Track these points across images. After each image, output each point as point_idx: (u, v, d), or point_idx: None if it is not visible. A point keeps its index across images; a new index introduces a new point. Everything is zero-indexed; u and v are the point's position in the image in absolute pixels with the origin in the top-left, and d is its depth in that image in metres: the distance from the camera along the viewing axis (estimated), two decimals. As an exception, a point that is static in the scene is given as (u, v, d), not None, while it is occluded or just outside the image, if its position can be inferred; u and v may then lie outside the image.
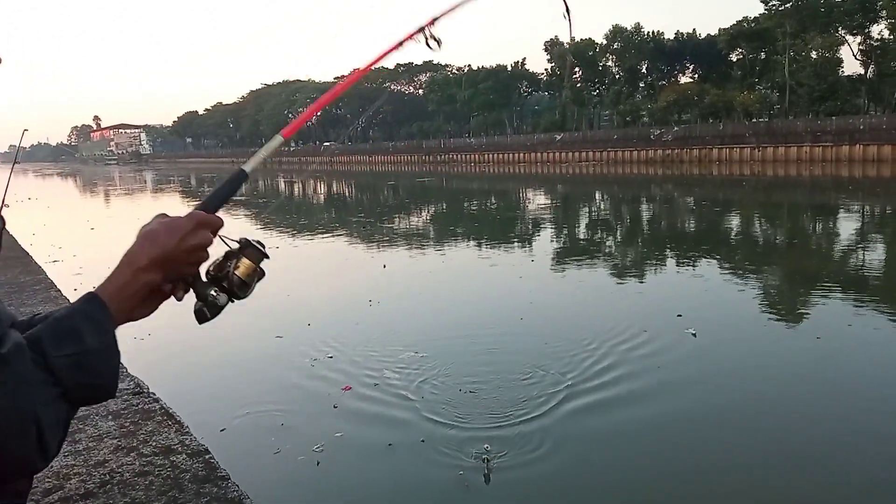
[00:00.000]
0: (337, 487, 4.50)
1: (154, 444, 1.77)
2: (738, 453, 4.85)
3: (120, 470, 1.62)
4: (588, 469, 4.62)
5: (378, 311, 9.29)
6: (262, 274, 1.18)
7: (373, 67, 1.51)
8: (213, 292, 1.13)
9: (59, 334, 0.92)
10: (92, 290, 1.00)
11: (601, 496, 4.30)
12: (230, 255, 1.15)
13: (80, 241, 18.89)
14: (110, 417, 1.97)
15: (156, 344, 7.99)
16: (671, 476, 4.55)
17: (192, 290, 1.13)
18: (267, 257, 1.18)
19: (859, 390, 6.00)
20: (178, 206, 33.44)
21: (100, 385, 0.96)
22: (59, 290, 7.90)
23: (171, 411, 2.07)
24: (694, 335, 7.34)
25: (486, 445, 4.84)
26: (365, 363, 6.85)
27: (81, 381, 0.93)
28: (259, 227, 23.01)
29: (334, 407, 5.74)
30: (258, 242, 1.19)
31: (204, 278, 1.14)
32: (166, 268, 1.04)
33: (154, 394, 2.22)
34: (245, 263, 1.15)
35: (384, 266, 12.91)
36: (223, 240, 1.15)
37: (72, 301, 1.00)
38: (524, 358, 6.99)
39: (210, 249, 1.09)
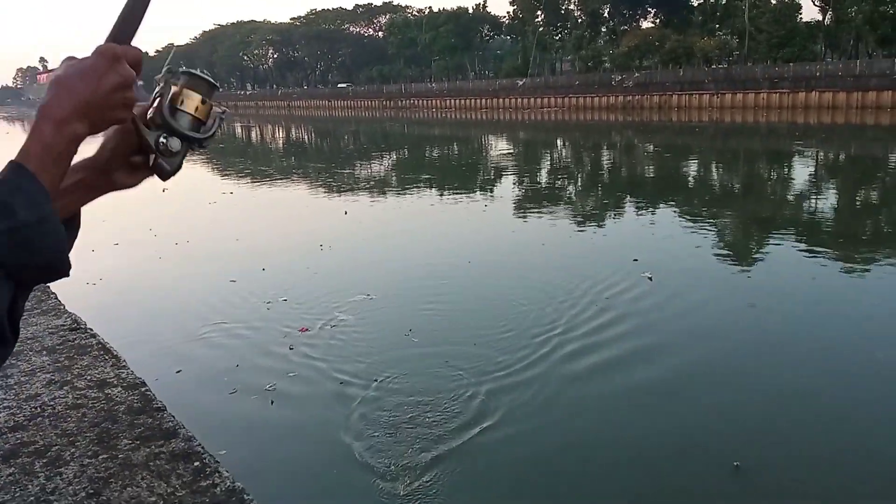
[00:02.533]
0: (291, 424, 4.53)
1: (89, 377, 1.72)
2: (686, 396, 4.96)
3: (52, 403, 1.56)
4: (537, 414, 4.69)
5: (333, 256, 9.25)
6: (218, 113, 1.05)
7: None
8: (161, 138, 1.00)
9: None
10: (12, 160, 0.87)
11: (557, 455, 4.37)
12: (165, 91, 1.01)
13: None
14: (45, 353, 1.90)
15: (108, 288, 7.85)
16: (622, 428, 4.65)
17: (143, 145, 1.00)
18: (216, 87, 1.04)
19: (808, 328, 6.19)
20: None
21: (45, 264, 0.86)
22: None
23: (108, 346, 2.00)
24: (650, 279, 7.45)
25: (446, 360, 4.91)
26: (319, 306, 6.84)
27: (22, 260, 0.83)
28: (216, 173, 22.52)
29: (290, 348, 5.73)
30: (202, 71, 1.05)
31: (148, 126, 1.01)
32: (91, 115, 0.91)
33: (91, 329, 2.14)
34: (188, 94, 1.01)
35: (345, 213, 12.79)
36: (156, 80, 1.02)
37: None
38: (472, 301, 7.06)
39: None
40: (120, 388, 1.67)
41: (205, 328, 6.33)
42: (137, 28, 0.98)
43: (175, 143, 1.00)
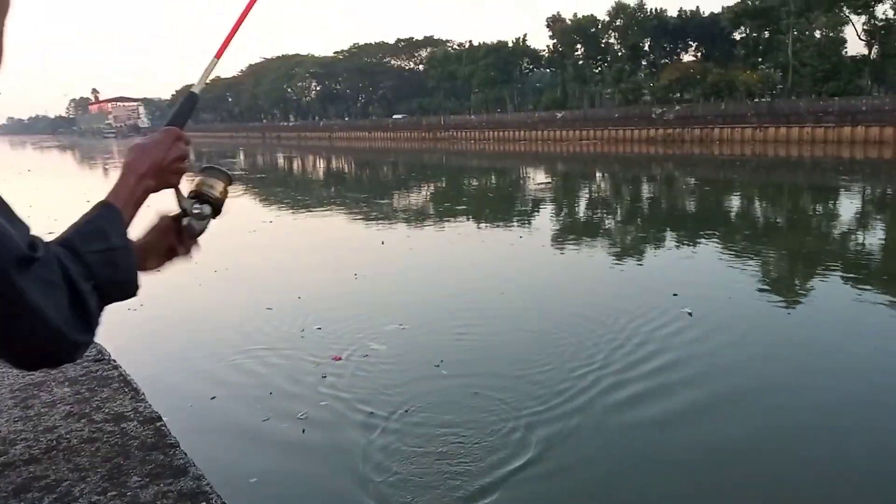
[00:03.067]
0: (320, 453, 4.50)
1: (107, 410, 1.71)
2: (731, 430, 4.80)
3: (68, 436, 1.56)
4: (570, 442, 4.57)
5: (367, 285, 9.27)
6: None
7: None
8: (196, 205, 1.30)
9: (87, 235, 1.04)
10: (103, 200, 1.13)
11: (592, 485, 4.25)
12: (203, 179, 1.33)
13: (76, 212, 18.79)
14: (67, 384, 1.91)
15: (148, 313, 7.96)
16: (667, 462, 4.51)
17: (180, 209, 1.30)
18: (231, 180, 1.38)
19: (851, 367, 5.96)
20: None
21: (125, 280, 1.07)
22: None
23: (128, 378, 2.00)
24: (690, 314, 7.29)
25: (475, 392, 4.80)
26: (353, 335, 6.85)
27: (110, 276, 1.03)
28: (257, 202, 22.92)
29: (322, 377, 5.73)
30: (219, 165, 1.39)
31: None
32: (158, 176, 1.21)
33: (115, 361, 2.15)
34: (215, 182, 1.34)
35: (382, 242, 12.85)
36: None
37: None
38: (506, 332, 6.99)
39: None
40: (136, 423, 1.66)
41: (241, 355, 6.38)
42: (188, 118, 1.34)
43: (207, 210, 1.32)
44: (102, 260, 1.02)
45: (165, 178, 1.24)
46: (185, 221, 1.31)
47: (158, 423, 1.65)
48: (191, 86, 1.38)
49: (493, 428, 4.72)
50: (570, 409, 5.04)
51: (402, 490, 3.98)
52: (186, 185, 1.33)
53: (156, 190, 1.22)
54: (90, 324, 0.99)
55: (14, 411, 1.70)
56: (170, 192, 1.32)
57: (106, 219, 1.08)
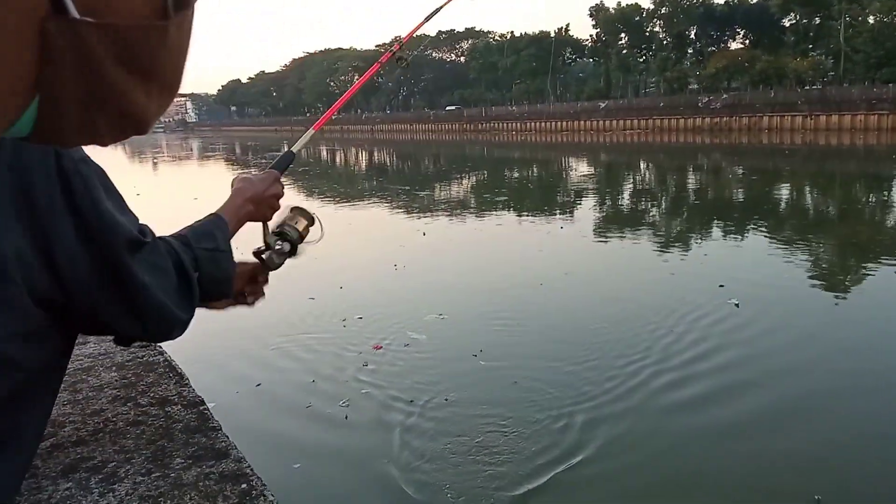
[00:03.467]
0: (361, 440, 4.55)
1: (152, 394, 1.75)
2: (783, 429, 4.68)
3: (114, 419, 1.60)
4: (626, 443, 4.52)
5: (408, 275, 9.33)
6: (315, 240, 1.64)
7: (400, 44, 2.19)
8: (277, 242, 1.52)
9: (199, 235, 1.20)
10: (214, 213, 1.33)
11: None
12: (289, 216, 1.58)
13: (132, 205, 19.28)
14: (114, 369, 1.96)
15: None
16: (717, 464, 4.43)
17: (264, 243, 1.52)
18: (314, 220, 1.61)
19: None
20: (224, 172, 33.94)
21: (223, 279, 1.24)
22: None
23: (173, 363, 2.04)
24: (737, 305, 7.15)
25: (515, 381, 4.79)
26: (393, 324, 6.91)
27: (213, 273, 1.19)
28: (300, 193, 23.21)
29: (363, 365, 5.79)
30: (305, 208, 1.63)
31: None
32: (257, 204, 1.43)
33: (160, 347, 2.20)
34: (300, 220, 1.58)
35: (423, 234, 12.90)
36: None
37: None
38: (549, 324, 6.95)
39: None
40: (179, 406, 1.69)
41: (284, 343, 6.49)
42: (286, 168, 1.64)
43: (286, 248, 1.54)
44: (209, 257, 1.17)
45: (262, 209, 1.45)
46: (265, 255, 1.51)
47: (201, 407, 1.68)
48: (292, 145, 1.77)
49: (533, 418, 4.71)
50: (607, 400, 5.00)
51: (441, 478, 4.00)
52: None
53: (254, 217, 1.43)
54: (192, 305, 1.12)
55: (63, 395, 1.75)
56: (259, 226, 1.51)
57: (216, 226, 1.26)
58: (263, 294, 1.61)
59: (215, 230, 1.24)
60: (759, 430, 4.58)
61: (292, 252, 1.56)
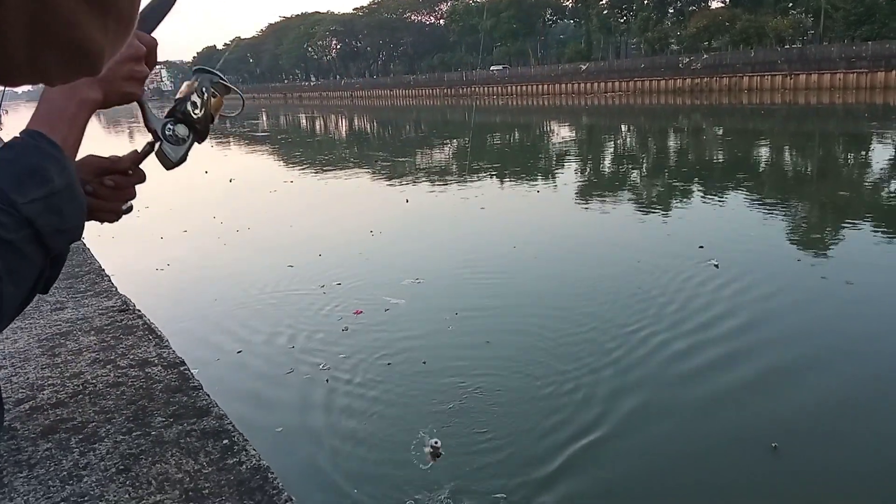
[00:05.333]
0: (342, 403, 4.60)
1: (132, 357, 1.75)
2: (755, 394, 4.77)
3: (94, 381, 1.59)
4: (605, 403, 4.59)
5: (385, 242, 9.34)
6: (230, 115, 1.16)
7: None
8: (168, 125, 1.08)
9: (18, 180, 0.83)
10: (28, 128, 0.90)
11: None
12: (186, 87, 1.10)
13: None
14: (93, 333, 1.95)
15: (173, 275, 8.10)
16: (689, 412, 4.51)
17: (149, 131, 1.08)
18: (229, 89, 1.14)
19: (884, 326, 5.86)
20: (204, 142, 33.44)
21: (71, 228, 0.91)
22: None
23: (153, 326, 2.03)
24: (716, 266, 7.22)
25: (487, 341, 4.85)
26: (372, 290, 6.95)
27: (53, 225, 0.86)
28: (278, 162, 22.98)
29: (343, 330, 5.83)
30: (214, 70, 1.13)
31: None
32: (102, 83, 0.96)
33: (139, 311, 2.18)
34: (202, 93, 1.10)
35: (406, 201, 12.85)
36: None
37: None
38: (519, 286, 7.01)
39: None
40: (160, 368, 1.69)
41: (264, 311, 6.50)
42: (159, 23, 1.03)
43: (181, 130, 1.08)
44: (43, 208, 0.84)
45: (113, 85, 0.98)
46: (156, 147, 1.09)
47: (182, 368, 1.68)
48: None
49: (506, 377, 4.82)
50: (579, 360, 5.09)
51: (417, 439, 4.06)
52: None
53: (105, 104, 0.99)
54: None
55: (41, 359, 1.74)
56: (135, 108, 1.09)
57: (40, 153, 0.86)
58: (134, 195, 1.14)
59: (41, 161, 0.86)
60: (742, 389, 4.67)
61: (195, 134, 1.13)
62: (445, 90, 71.40)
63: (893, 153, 17.51)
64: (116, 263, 7.82)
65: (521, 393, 4.61)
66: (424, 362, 5.13)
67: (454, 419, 4.26)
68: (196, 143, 1.14)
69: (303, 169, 19.94)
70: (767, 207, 10.85)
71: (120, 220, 1.12)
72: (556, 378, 4.76)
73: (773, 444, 3.82)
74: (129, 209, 1.10)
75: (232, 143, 31.25)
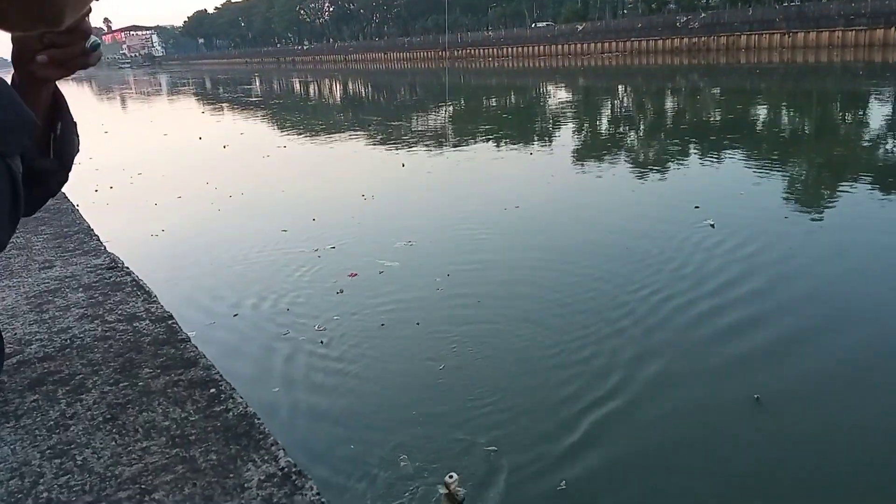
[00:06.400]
0: (337, 363, 4.63)
1: (119, 312, 1.74)
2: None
3: (81, 335, 1.59)
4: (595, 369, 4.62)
5: (378, 205, 9.32)
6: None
7: None
8: None
9: None
10: None
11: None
12: None
13: (95, 144, 18.90)
14: (81, 290, 1.94)
15: (168, 241, 8.08)
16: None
17: None
18: None
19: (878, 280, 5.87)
20: (195, 107, 33.17)
21: (7, 122, 0.87)
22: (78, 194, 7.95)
23: (141, 282, 2.03)
24: (712, 226, 7.21)
25: (478, 301, 4.88)
26: (366, 253, 6.96)
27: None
28: (272, 127, 22.79)
29: (339, 292, 5.84)
30: None
31: None
32: None
33: (128, 268, 2.18)
34: None
35: (402, 165, 12.78)
36: None
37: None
38: (512, 248, 7.03)
39: None
40: (147, 322, 1.69)
41: (259, 275, 6.51)
42: None
43: None
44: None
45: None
46: None
47: (170, 322, 1.68)
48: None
49: (498, 338, 4.87)
50: (559, 313, 5.15)
51: (410, 398, 4.11)
52: None
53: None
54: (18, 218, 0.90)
55: (29, 315, 1.74)
56: None
57: None
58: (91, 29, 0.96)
59: None
60: (731, 344, 4.70)
61: None
62: (441, 52, 70.51)
63: (891, 111, 17.41)
64: (112, 230, 7.81)
65: (513, 353, 4.64)
66: (418, 323, 5.16)
67: (446, 379, 4.30)
68: None
69: (296, 134, 19.79)
70: (762, 167, 10.81)
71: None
72: (547, 336, 4.81)
73: (756, 396, 3.89)
74: (97, 46, 1.00)
75: (225, 109, 30.97)
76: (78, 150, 1.06)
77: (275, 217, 8.73)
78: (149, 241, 8.05)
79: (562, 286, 5.73)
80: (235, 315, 5.58)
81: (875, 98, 20.39)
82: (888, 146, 12.54)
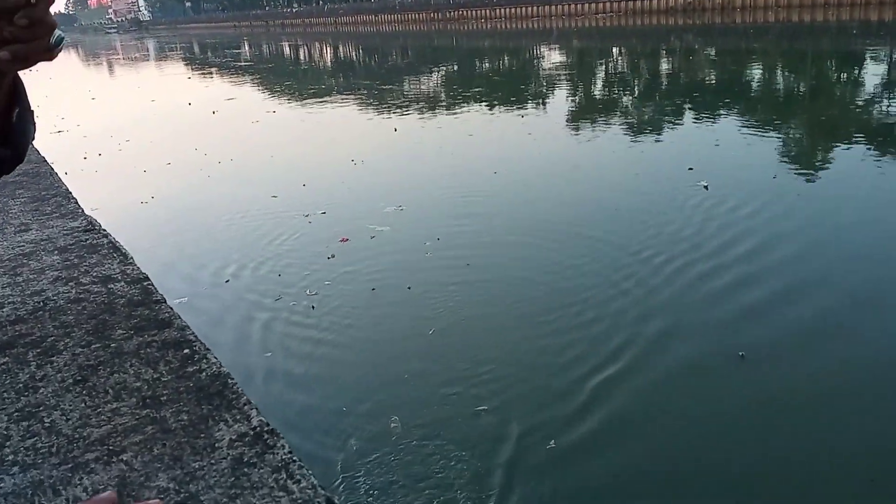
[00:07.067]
0: (329, 328, 4.63)
1: (94, 273, 1.70)
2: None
3: (55, 298, 1.55)
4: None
5: (368, 170, 9.26)
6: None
7: None
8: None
9: None
10: None
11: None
12: None
13: (82, 110, 18.65)
14: (56, 252, 1.90)
15: (157, 208, 8.02)
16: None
17: None
18: None
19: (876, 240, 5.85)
20: (183, 73, 32.68)
21: None
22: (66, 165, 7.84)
23: (117, 244, 1.99)
24: (706, 188, 7.17)
25: (467, 264, 4.86)
26: (357, 218, 6.91)
27: None
28: (262, 91, 22.49)
29: (330, 257, 5.81)
30: None
31: None
32: None
33: (105, 230, 2.13)
34: None
35: (395, 129, 12.65)
36: None
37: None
38: (506, 211, 6.99)
39: None
40: (123, 283, 1.65)
41: (249, 241, 6.47)
42: None
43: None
44: None
45: None
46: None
47: (146, 283, 1.64)
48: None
49: (488, 301, 4.89)
50: (542, 265, 5.19)
51: (398, 361, 4.12)
52: None
53: None
54: None
55: (2, 279, 1.70)
56: None
57: None
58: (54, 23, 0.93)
59: None
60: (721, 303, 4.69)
61: None
62: (433, 14, 69.42)
63: (885, 71, 17.26)
64: (101, 198, 7.73)
65: (503, 315, 4.65)
66: (409, 287, 5.14)
67: (437, 342, 4.30)
68: None
69: (286, 99, 19.54)
70: (756, 128, 10.73)
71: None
72: (536, 297, 4.82)
73: (741, 353, 3.91)
74: (61, 41, 0.95)
75: (214, 75, 30.53)
76: (33, 138, 1.03)
77: (265, 183, 8.65)
78: (139, 207, 7.98)
79: (551, 247, 5.72)
80: (227, 281, 5.55)
81: (870, 58, 20.19)
82: (880, 107, 12.44)
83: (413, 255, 5.83)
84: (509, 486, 2.98)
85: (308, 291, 5.14)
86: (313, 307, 4.89)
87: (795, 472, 3.06)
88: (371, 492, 2.99)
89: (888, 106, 12.41)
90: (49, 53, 0.93)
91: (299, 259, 5.87)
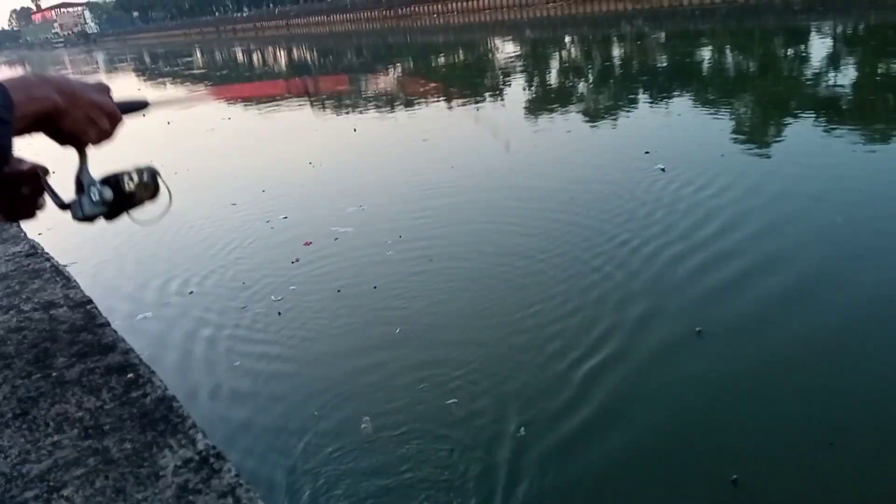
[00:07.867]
0: (296, 333, 4.61)
1: (36, 300, 1.66)
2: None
3: (-6, 328, 1.49)
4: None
5: (326, 172, 9.22)
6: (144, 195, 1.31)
7: None
8: (98, 185, 1.23)
9: None
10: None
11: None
12: (133, 168, 1.28)
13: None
14: (-3, 280, 1.83)
15: (113, 224, 7.83)
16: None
17: (76, 180, 1.23)
18: (157, 188, 1.31)
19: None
20: (134, 83, 32.07)
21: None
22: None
23: (60, 268, 1.94)
24: (662, 170, 7.26)
25: (429, 259, 4.86)
26: (319, 221, 6.87)
27: None
28: (215, 100, 22.16)
29: (294, 262, 5.78)
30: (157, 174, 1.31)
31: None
32: (68, 101, 1.08)
33: (47, 253, 2.08)
34: (141, 179, 1.27)
35: (354, 129, 12.57)
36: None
37: None
38: (467, 205, 7.00)
39: None
40: (65, 308, 1.60)
41: (210, 251, 6.38)
42: (129, 111, 1.36)
43: (107, 193, 1.25)
44: None
45: (75, 114, 1.10)
46: (73, 198, 1.22)
47: (89, 307, 1.60)
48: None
49: (454, 294, 4.91)
50: (504, 258, 5.22)
51: (369, 361, 4.10)
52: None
53: (58, 118, 1.08)
54: None
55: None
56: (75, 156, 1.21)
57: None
58: (34, 213, 1.33)
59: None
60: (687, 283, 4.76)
61: (111, 209, 1.26)
62: (385, 11, 69.15)
63: (830, 45, 17.67)
64: (48, 216, 7.53)
65: (467, 308, 4.68)
66: (375, 287, 5.12)
67: (404, 341, 4.29)
68: (103, 216, 1.27)
69: (242, 105, 19.30)
70: (708, 109, 10.90)
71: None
72: (500, 290, 4.86)
73: (697, 329, 4.01)
74: (42, 205, 1.29)
75: (168, 84, 30.03)
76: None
77: (223, 191, 8.53)
78: (94, 227, 7.79)
79: (510, 239, 5.75)
80: (191, 292, 5.46)
81: (814, 32, 20.65)
82: (826, 81, 12.72)
83: (377, 254, 5.80)
84: (489, 480, 2.99)
85: (274, 298, 5.08)
86: (279, 313, 4.85)
87: (773, 441, 3.11)
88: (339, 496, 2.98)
89: (832, 79, 12.70)
90: (32, 210, 1.39)
91: (264, 266, 5.81)
